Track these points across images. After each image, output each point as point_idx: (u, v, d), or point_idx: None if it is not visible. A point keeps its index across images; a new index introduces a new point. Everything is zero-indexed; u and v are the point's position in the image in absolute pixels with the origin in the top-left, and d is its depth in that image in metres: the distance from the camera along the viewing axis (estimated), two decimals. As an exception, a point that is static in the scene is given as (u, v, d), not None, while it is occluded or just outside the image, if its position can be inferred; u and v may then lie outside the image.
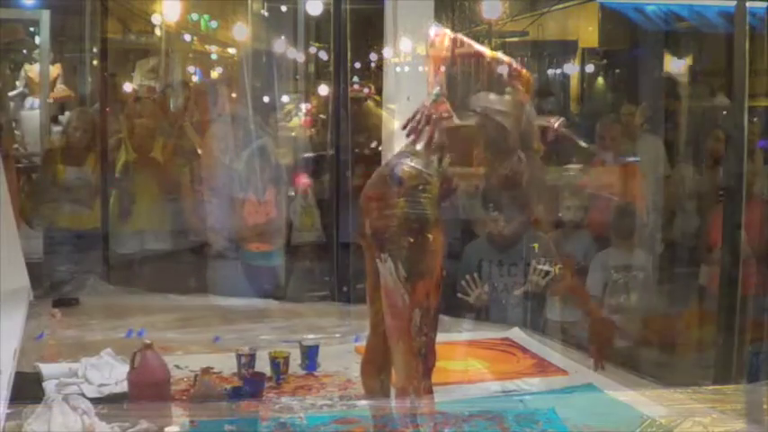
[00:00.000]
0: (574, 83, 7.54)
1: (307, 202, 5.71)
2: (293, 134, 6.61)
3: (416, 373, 2.61)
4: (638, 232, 4.97)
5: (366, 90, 7.05)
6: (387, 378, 2.90)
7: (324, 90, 6.44)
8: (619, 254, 4.90)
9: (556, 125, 2.89)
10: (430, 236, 2.58)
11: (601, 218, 4.99)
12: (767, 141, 5.08)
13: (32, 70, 7.50)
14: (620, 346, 4.66)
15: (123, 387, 3.38)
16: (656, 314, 4.84)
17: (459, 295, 4.81)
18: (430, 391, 2.66)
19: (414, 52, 4.59)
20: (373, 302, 2.80)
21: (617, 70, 7.38)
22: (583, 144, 3.03)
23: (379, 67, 5.49)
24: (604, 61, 7.41)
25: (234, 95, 6.41)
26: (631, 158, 5.16)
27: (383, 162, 2.86)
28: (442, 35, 2.75)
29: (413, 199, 2.58)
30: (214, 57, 8.25)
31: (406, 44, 4.62)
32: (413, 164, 2.61)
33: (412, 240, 2.56)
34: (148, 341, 3.28)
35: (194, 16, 7.74)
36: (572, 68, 7.52)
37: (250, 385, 3.51)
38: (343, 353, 4.14)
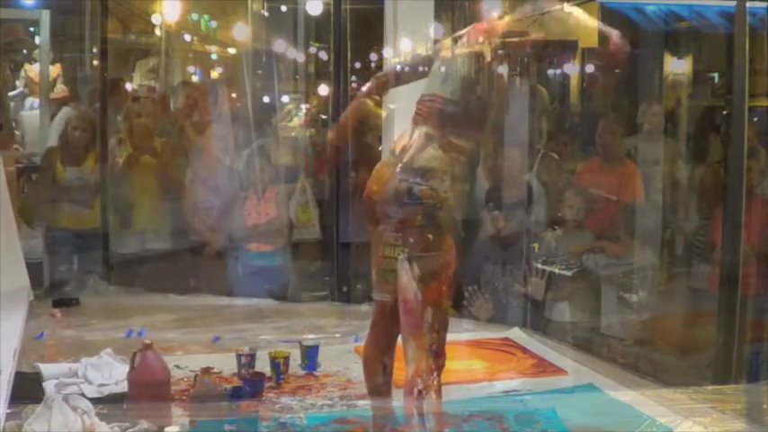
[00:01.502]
0: (574, 83, 7.53)
1: (305, 199, 5.70)
2: (293, 134, 6.61)
3: (427, 368, 2.71)
4: (639, 232, 4.96)
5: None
6: (390, 362, 2.95)
7: (324, 90, 6.44)
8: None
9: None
10: (444, 242, 2.79)
11: (601, 217, 4.99)
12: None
13: (32, 70, 7.49)
14: (621, 347, 4.66)
15: (123, 387, 3.38)
16: (657, 314, 4.84)
17: (465, 303, 4.83)
18: (439, 390, 2.73)
19: (414, 52, 4.59)
20: (380, 281, 2.92)
21: (617, 70, 7.36)
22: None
23: (379, 67, 5.49)
24: (604, 61, 7.39)
25: (234, 95, 6.40)
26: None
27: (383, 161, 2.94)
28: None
29: (431, 214, 2.78)
30: (214, 57, 8.23)
31: (406, 44, 4.62)
32: (429, 183, 2.79)
33: (427, 246, 2.76)
34: (148, 341, 3.28)
35: (194, 16, 7.73)
36: (572, 68, 7.50)
37: (250, 385, 3.51)
38: (343, 353, 4.15)
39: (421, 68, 3.14)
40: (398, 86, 3.30)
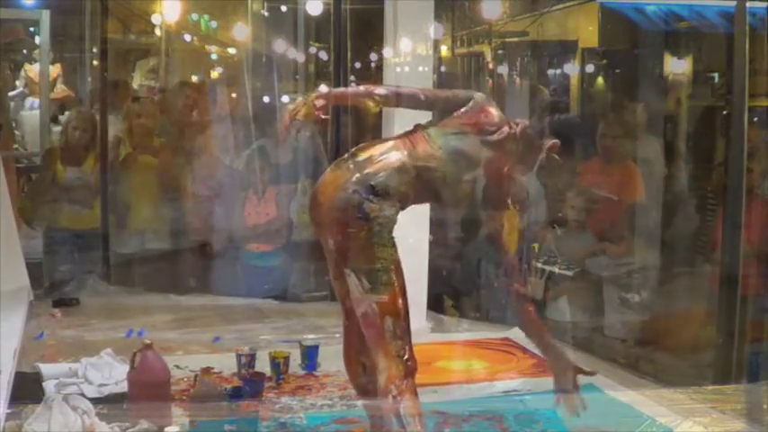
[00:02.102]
0: (574, 83, 7.53)
1: (306, 199, 5.69)
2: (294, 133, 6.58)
3: (398, 373, 2.69)
4: (640, 232, 4.96)
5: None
6: (368, 360, 2.95)
7: (324, 90, 6.43)
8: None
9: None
10: (389, 254, 2.75)
11: (602, 218, 4.99)
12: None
13: (32, 70, 7.50)
14: (622, 347, 4.66)
15: (123, 387, 3.38)
16: (657, 314, 4.83)
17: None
18: (414, 392, 2.72)
19: (414, 52, 4.59)
20: (336, 278, 2.90)
21: (617, 70, 7.36)
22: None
23: (379, 67, 5.49)
24: (604, 61, 7.41)
25: (234, 95, 6.40)
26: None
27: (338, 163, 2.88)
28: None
29: (378, 230, 2.73)
30: (214, 57, 8.24)
31: (406, 44, 4.61)
32: (380, 204, 2.74)
33: (373, 258, 2.73)
34: (148, 341, 3.28)
35: (194, 16, 7.74)
36: (572, 68, 7.51)
37: (250, 385, 3.51)
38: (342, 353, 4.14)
39: (433, 103, 3.08)
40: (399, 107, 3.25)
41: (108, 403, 3.29)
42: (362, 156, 2.84)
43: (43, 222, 5.72)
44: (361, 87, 3.20)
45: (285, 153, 5.64)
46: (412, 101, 3.11)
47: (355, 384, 3.05)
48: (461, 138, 2.91)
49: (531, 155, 2.99)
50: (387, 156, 2.83)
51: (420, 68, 4.53)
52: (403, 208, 2.82)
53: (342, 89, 3.43)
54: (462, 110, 2.96)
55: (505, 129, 2.93)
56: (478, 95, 3.01)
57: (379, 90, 3.13)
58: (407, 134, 2.93)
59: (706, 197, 5.06)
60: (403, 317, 2.74)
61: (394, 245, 2.77)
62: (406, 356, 2.71)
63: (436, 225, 4.79)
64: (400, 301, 2.74)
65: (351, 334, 2.97)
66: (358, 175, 2.77)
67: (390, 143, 2.90)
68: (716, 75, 6.87)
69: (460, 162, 2.89)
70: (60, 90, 7.50)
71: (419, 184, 2.84)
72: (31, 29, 7.36)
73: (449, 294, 5.29)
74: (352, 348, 2.99)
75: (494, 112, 2.97)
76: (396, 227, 2.80)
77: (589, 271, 4.86)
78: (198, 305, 5.12)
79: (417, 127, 2.96)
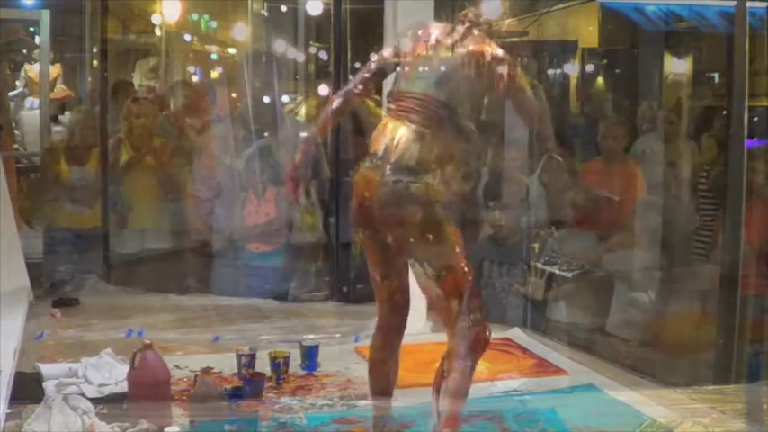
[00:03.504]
0: (574, 83, 7.53)
1: (309, 201, 5.70)
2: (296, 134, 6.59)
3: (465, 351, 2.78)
4: (645, 232, 4.96)
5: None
6: (395, 365, 2.99)
7: (324, 90, 6.43)
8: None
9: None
10: (447, 234, 2.77)
11: (606, 218, 4.98)
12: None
13: (32, 70, 7.50)
14: (624, 347, 4.65)
15: (123, 387, 3.38)
16: (662, 315, 4.83)
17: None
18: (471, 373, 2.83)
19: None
20: (385, 277, 2.94)
21: (617, 70, 7.36)
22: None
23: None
24: (604, 61, 7.40)
25: (234, 95, 6.39)
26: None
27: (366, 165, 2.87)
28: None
29: (430, 210, 2.75)
30: (214, 57, 8.24)
31: (406, 44, 4.61)
32: (426, 180, 2.75)
33: (431, 242, 2.75)
34: (148, 341, 3.28)
35: (194, 16, 7.74)
36: (572, 68, 7.50)
37: (250, 385, 3.51)
38: (343, 353, 4.15)
39: (383, 68, 3.07)
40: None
41: (108, 403, 3.29)
42: (379, 149, 2.82)
43: (43, 222, 5.72)
44: (325, 111, 3.20)
45: (287, 153, 5.63)
46: (370, 79, 3.09)
47: (376, 386, 3.02)
48: (431, 61, 2.91)
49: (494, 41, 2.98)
50: (399, 136, 2.80)
51: (420, 68, 4.51)
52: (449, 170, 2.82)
53: (317, 126, 3.39)
54: (404, 50, 3.00)
55: (457, 27, 2.95)
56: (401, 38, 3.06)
57: (336, 99, 3.12)
58: (390, 110, 2.91)
59: (705, 197, 5.05)
60: (469, 295, 2.77)
61: (450, 221, 2.78)
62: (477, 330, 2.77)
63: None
64: (464, 280, 2.77)
65: (387, 335, 2.99)
66: (390, 165, 2.77)
67: (389, 125, 2.86)
68: (716, 75, 6.87)
69: (456, 74, 2.86)
70: (60, 90, 7.50)
71: (442, 136, 2.81)
72: (31, 29, 7.37)
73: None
74: (385, 350, 2.99)
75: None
76: None
77: (600, 270, 4.84)
78: (198, 305, 5.12)
79: (390, 97, 2.95)
